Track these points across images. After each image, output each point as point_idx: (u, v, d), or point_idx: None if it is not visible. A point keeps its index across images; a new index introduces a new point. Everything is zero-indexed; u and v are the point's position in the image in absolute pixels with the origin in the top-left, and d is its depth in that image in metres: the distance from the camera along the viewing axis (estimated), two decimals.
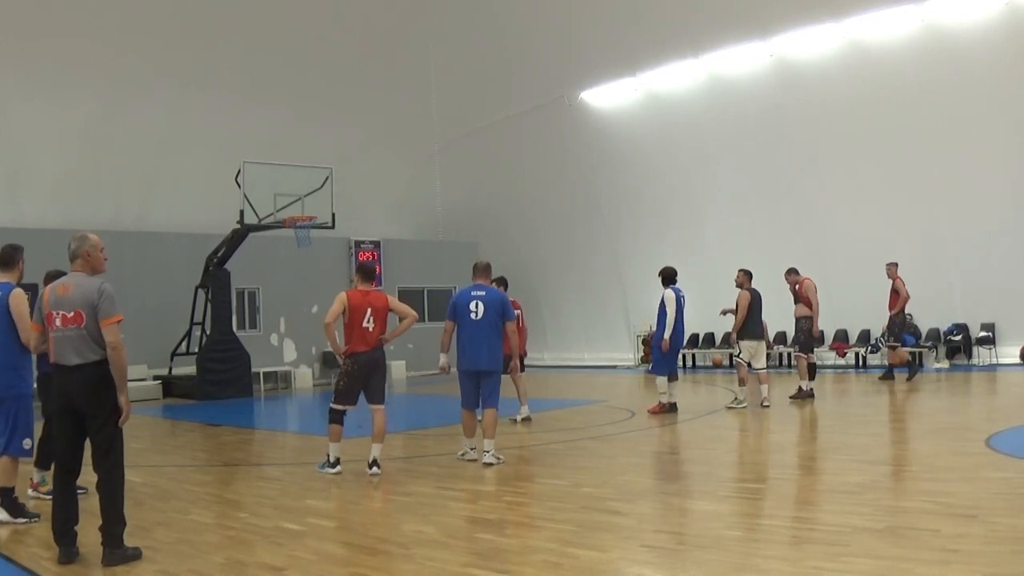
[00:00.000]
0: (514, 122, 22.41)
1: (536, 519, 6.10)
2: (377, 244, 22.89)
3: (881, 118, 16.93)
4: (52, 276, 6.29)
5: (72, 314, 5.16)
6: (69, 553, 5.19)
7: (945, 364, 17.45)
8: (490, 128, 22.85)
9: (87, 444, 5.28)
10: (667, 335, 11.71)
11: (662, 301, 11.82)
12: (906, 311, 15.59)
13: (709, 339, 21.10)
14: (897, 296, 14.73)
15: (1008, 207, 16.26)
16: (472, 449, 8.51)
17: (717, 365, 20.70)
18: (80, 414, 5.21)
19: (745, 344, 12.22)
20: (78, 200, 18.83)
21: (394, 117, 21.95)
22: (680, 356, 15.94)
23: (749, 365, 12.23)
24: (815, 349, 13.80)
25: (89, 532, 5.33)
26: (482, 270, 8.63)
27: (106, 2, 16.80)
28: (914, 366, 15.46)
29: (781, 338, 18.87)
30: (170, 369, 18.62)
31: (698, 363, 21.56)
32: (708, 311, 17.56)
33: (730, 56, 18.54)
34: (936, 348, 17.83)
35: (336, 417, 7.99)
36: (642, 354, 21.46)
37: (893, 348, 15.25)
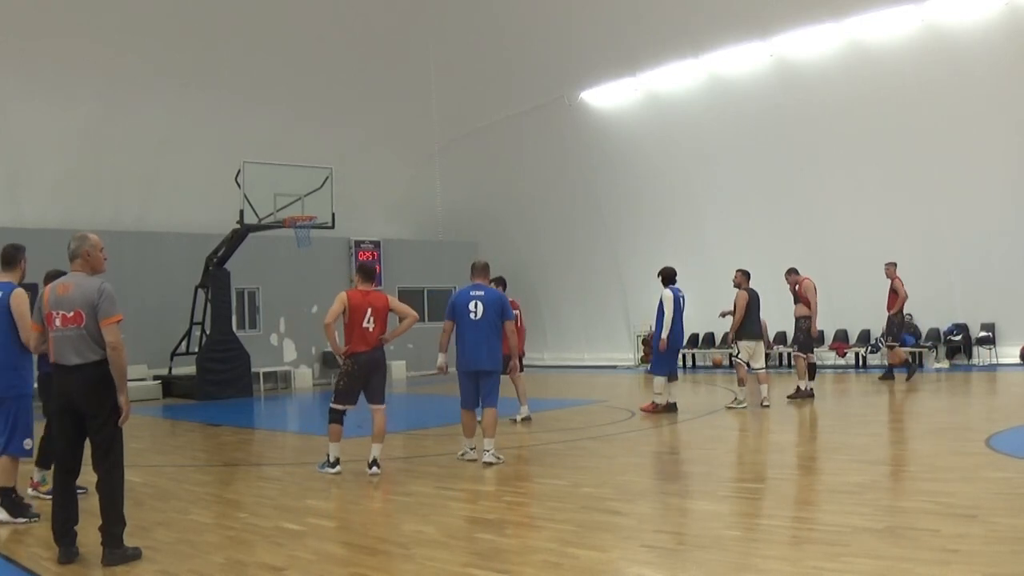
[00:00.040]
0: (514, 122, 22.41)
1: (536, 519, 6.10)
2: (377, 244, 22.89)
3: (881, 118, 16.93)
4: (52, 276, 6.29)
5: (72, 314, 5.16)
6: (69, 553, 5.19)
7: (945, 364, 17.45)
8: (490, 128, 22.85)
9: (87, 444, 5.28)
10: (665, 335, 11.73)
11: (660, 301, 11.83)
12: (906, 311, 15.60)
13: (709, 339, 21.10)
14: (896, 296, 14.73)
15: (1008, 207, 16.26)
16: (472, 449, 8.51)
17: (717, 365, 20.70)
18: (80, 414, 5.21)
19: (743, 344, 12.22)
20: (78, 200, 18.83)
21: (394, 117, 21.94)
22: (680, 356, 15.94)
23: (748, 365, 12.23)
24: (815, 349, 13.80)
25: (89, 532, 5.33)
26: (480, 270, 8.62)
27: (106, 2, 16.80)
28: (913, 366, 15.45)
29: (781, 338, 18.87)
30: (170, 369, 18.62)
31: (698, 363, 21.56)
32: (708, 311, 17.55)
33: (730, 56, 18.53)
34: (936, 348, 17.83)
35: (336, 417, 7.99)
36: (642, 354, 21.46)
37: (891, 348, 15.25)
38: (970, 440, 8.50)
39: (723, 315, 12.79)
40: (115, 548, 5.14)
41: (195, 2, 17.60)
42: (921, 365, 17.55)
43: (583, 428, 10.83)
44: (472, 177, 24.23)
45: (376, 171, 23.14)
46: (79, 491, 5.47)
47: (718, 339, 20.68)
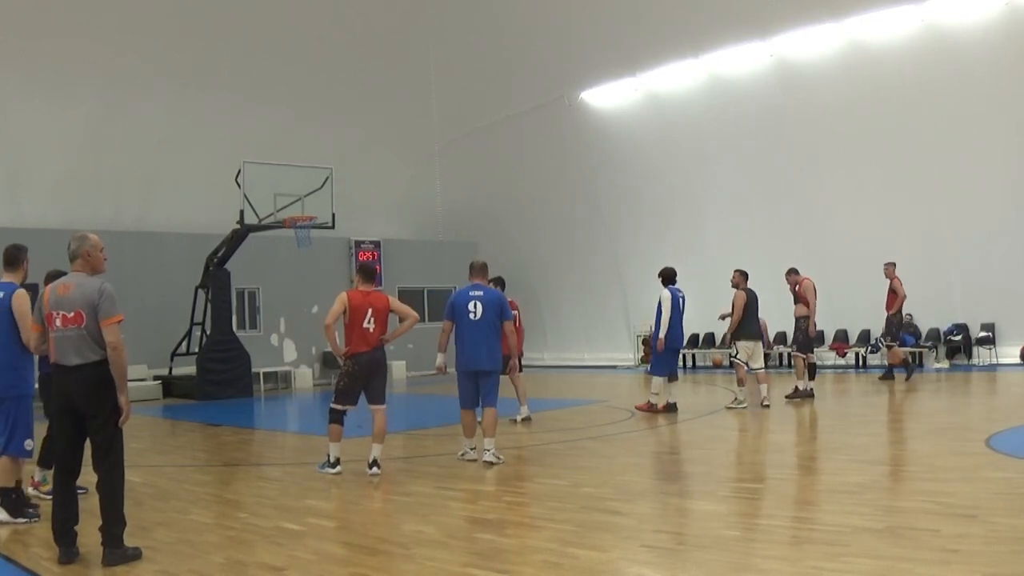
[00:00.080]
0: (514, 122, 22.41)
1: (536, 519, 6.10)
2: (377, 244, 22.89)
3: (881, 118, 16.93)
4: (52, 276, 6.29)
5: (72, 314, 5.16)
6: (69, 553, 5.19)
7: (945, 364, 17.45)
8: (490, 128, 22.85)
9: (87, 444, 5.28)
10: (662, 335, 11.74)
11: (659, 301, 11.85)
12: (906, 311, 15.59)
13: (709, 339, 21.10)
14: (895, 296, 14.73)
15: (1008, 207, 16.26)
16: (472, 449, 8.51)
17: (717, 365, 20.70)
18: (80, 414, 5.21)
19: (742, 344, 12.22)
20: (78, 200, 18.84)
21: (394, 117, 21.95)
22: (680, 356, 15.94)
23: (747, 365, 12.24)
24: (815, 349, 13.80)
25: (89, 532, 5.33)
26: (479, 270, 8.62)
27: (106, 2, 16.81)
28: (911, 366, 15.44)
29: (781, 338, 18.87)
30: (170, 369, 18.62)
31: (698, 363, 21.56)
32: (708, 311, 17.55)
33: (730, 56, 18.54)
34: (936, 348, 17.83)
35: (336, 417, 7.99)
36: (642, 354, 21.46)
37: (890, 348, 15.26)
38: (970, 440, 8.50)
39: (723, 317, 12.79)
40: (115, 548, 5.14)
41: (195, 2, 17.61)
42: (921, 365, 17.55)
43: (583, 428, 10.84)
44: (472, 177, 24.23)
45: (376, 171, 23.15)
46: (79, 491, 5.47)
47: (718, 339, 20.68)
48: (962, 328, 17.54)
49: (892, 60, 16.48)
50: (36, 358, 6.50)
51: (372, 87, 20.95)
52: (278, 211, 17.11)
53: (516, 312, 10.99)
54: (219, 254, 17.89)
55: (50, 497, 5.57)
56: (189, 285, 18.45)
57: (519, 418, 11.42)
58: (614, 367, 22.54)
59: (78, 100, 18.08)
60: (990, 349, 17.27)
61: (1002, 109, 15.75)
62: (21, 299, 6.33)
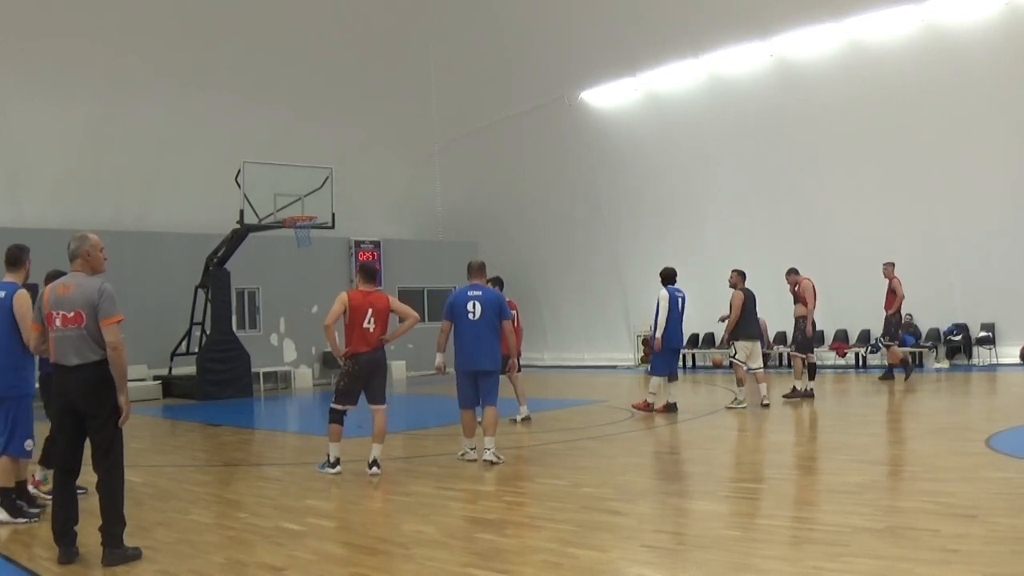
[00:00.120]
0: (514, 122, 22.41)
1: (536, 519, 6.10)
2: (377, 244, 22.89)
3: (881, 118, 16.93)
4: (52, 276, 6.29)
5: (72, 314, 5.16)
6: (69, 553, 5.19)
7: (945, 364, 17.45)
8: (490, 128, 22.85)
9: (87, 444, 5.28)
10: (658, 334, 11.76)
11: (658, 301, 11.86)
12: (906, 311, 15.58)
13: (709, 339, 21.10)
14: (894, 296, 14.73)
15: (1008, 207, 16.26)
16: (472, 449, 8.51)
17: (717, 365, 20.70)
18: (80, 414, 5.21)
19: (741, 344, 12.23)
20: (78, 200, 18.83)
21: (394, 117, 21.95)
22: (680, 356, 15.94)
23: (746, 365, 12.24)
24: (815, 349, 13.80)
25: (89, 532, 5.33)
26: (477, 269, 8.62)
27: (106, 2, 16.80)
28: (910, 366, 15.44)
29: (781, 338, 18.87)
30: (170, 369, 18.62)
31: (698, 363, 21.57)
32: (708, 311, 17.56)
33: (730, 56, 18.54)
34: (936, 348, 17.83)
35: (336, 417, 7.98)
36: (642, 354, 21.46)
37: (888, 347, 15.26)
38: (970, 440, 8.50)
39: (722, 319, 12.80)
40: (115, 548, 5.14)
41: (195, 2, 17.60)
42: (921, 365, 17.56)
43: (583, 428, 10.84)
44: (472, 177, 24.23)
45: (376, 171, 23.15)
46: (79, 491, 5.47)
47: (718, 339, 20.68)
48: (962, 328, 17.54)
49: (892, 60, 16.48)
50: (36, 358, 6.49)
51: (372, 87, 20.95)
52: (278, 211, 17.11)
53: (514, 312, 11.00)
54: (219, 254, 17.89)
55: (50, 497, 5.57)
56: (189, 285, 18.45)
57: (519, 418, 11.42)
58: (614, 367, 22.54)
59: (78, 100, 18.08)
60: (990, 349, 17.27)
61: (1002, 109, 15.75)
62: (22, 299, 6.34)
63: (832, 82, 17.29)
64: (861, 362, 18.60)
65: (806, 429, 10.50)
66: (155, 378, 18.53)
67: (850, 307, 18.10)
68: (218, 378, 17.43)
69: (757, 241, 19.03)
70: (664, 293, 11.85)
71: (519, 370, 11.34)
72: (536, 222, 23.85)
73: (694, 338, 20.89)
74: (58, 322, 5.20)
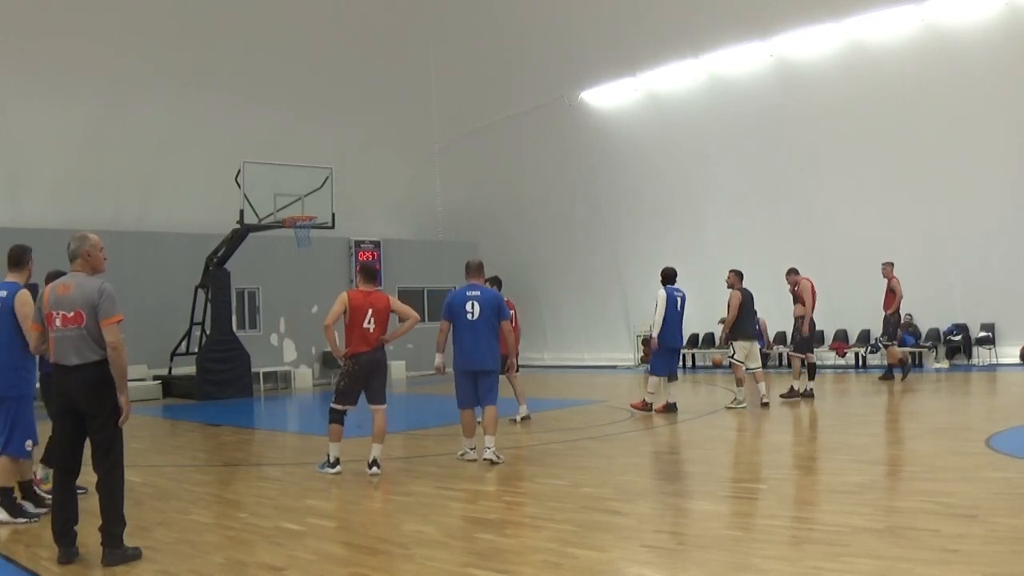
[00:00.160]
0: (514, 122, 22.41)
1: (536, 519, 6.10)
2: (377, 244, 22.89)
3: (881, 118, 16.93)
4: (53, 276, 6.30)
5: (72, 314, 5.16)
6: (69, 553, 5.19)
7: (945, 364, 17.45)
8: (490, 128, 22.85)
9: (87, 444, 5.28)
10: (655, 333, 11.77)
11: (656, 301, 11.88)
12: (905, 311, 15.56)
13: (709, 339, 21.10)
14: (893, 296, 14.73)
15: (1008, 207, 16.26)
16: (472, 449, 8.51)
17: (717, 365, 20.69)
18: (80, 414, 5.21)
19: (739, 344, 12.24)
20: (78, 200, 18.83)
21: (394, 117, 21.95)
22: (680, 356, 15.95)
23: (744, 365, 12.25)
24: (815, 349, 13.80)
25: (89, 532, 5.33)
26: (475, 269, 8.62)
27: (106, 2, 16.81)
28: (908, 366, 15.44)
29: (781, 338, 18.87)
30: (170, 369, 18.62)
31: (698, 363, 21.57)
32: (708, 311, 17.60)
33: (730, 56, 18.54)
34: (936, 348, 17.83)
35: (336, 417, 7.98)
36: (642, 354, 21.46)
37: (887, 347, 15.27)
38: (970, 440, 8.50)
39: (722, 321, 12.80)
40: (115, 548, 5.14)
41: (195, 2, 17.61)
42: (921, 365, 17.56)
43: (583, 428, 10.84)
44: (472, 177, 24.24)
45: (376, 171, 23.15)
46: (79, 491, 5.47)
47: (718, 339, 20.69)
48: (962, 328, 17.54)
49: (892, 60, 16.48)
50: (37, 358, 6.50)
51: (372, 87, 20.95)
52: (278, 211, 17.11)
53: (512, 312, 11.00)
54: (219, 254, 17.89)
55: (50, 496, 5.57)
56: (189, 285, 18.45)
57: (518, 417, 11.42)
58: (614, 367, 22.54)
59: (78, 100, 18.08)
60: (990, 349, 17.27)
61: (1002, 109, 15.75)
62: (22, 299, 6.34)
63: (832, 82, 17.29)
64: (861, 362, 18.60)
65: (806, 429, 10.49)
66: (155, 378, 18.53)
67: (850, 307, 18.09)
68: (218, 378, 17.43)
69: (757, 241, 19.03)
70: (662, 293, 11.86)
71: (517, 370, 11.35)
72: (536, 222, 23.85)
73: (694, 338, 20.89)
74: (58, 322, 5.20)
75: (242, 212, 16.83)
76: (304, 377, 20.86)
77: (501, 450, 8.40)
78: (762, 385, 12.18)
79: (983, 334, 17.28)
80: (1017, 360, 16.78)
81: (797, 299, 13.17)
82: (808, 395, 12.77)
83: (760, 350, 13.71)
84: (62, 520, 5.21)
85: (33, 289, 6.45)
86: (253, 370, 18.33)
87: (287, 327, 21.13)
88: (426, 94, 20.71)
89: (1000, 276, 16.56)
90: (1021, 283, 16.32)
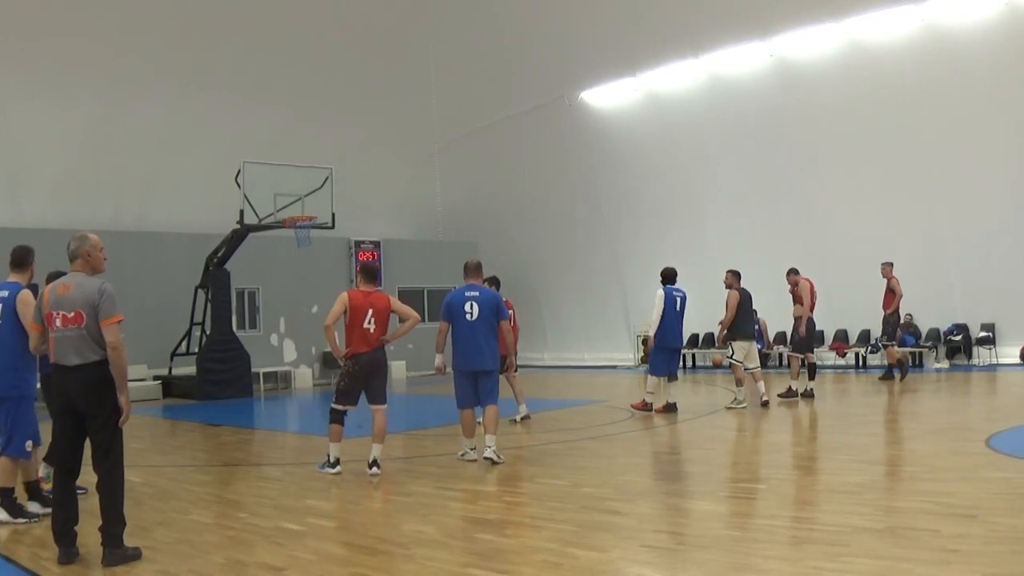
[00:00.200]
0: (514, 122, 22.41)
1: (536, 519, 6.10)
2: (377, 244, 22.89)
3: (881, 118, 16.94)
4: (53, 277, 6.30)
5: (72, 314, 5.16)
6: (69, 553, 5.19)
7: (945, 364, 17.45)
8: (490, 128, 22.85)
9: (87, 444, 5.28)
10: (651, 333, 11.80)
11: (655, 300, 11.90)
12: (906, 311, 15.55)
13: (709, 339, 21.09)
14: (893, 296, 14.73)
15: (1008, 207, 16.26)
16: (472, 449, 8.51)
17: (717, 365, 20.69)
18: (80, 414, 5.21)
19: (738, 344, 12.25)
20: (78, 200, 18.84)
21: (394, 117, 21.95)
22: (680, 356, 15.95)
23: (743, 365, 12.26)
24: (815, 349, 13.80)
25: (89, 532, 5.33)
26: (473, 269, 8.63)
27: (106, 2, 16.80)
28: (906, 366, 15.44)
29: (781, 338, 18.87)
30: (170, 369, 18.62)
31: (698, 363, 21.57)
32: (708, 311, 17.57)
33: (730, 56, 18.54)
34: (936, 348, 17.83)
35: (337, 417, 7.98)
36: (642, 354, 21.46)
37: (886, 347, 15.27)
38: (970, 440, 8.50)
39: (721, 324, 12.82)
40: (115, 548, 5.14)
41: (195, 2, 17.61)
42: (921, 365, 17.56)
43: (583, 428, 10.84)
44: (472, 177, 24.24)
45: (376, 171, 23.15)
46: (79, 491, 5.48)
47: (718, 339, 20.67)
48: (962, 328, 17.55)
49: (892, 60, 16.48)
50: (37, 358, 6.50)
51: (372, 87, 20.95)
52: (278, 211, 17.11)
53: (511, 311, 11.01)
54: (219, 254, 17.89)
55: (50, 496, 5.58)
56: (189, 285, 18.45)
57: (518, 417, 11.42)
58: (614, 367, 22.54)
59: (78, 100, 18.08)
60: (990, 349, 17.27)
61: (1002, 109, 15.75)
62: (25, 299, 6.34)
63: (832, 82, 17.29)
64: (861, 362, 18.60)
65: (806, 429, 10.50)
66: (155, 378, 18.53)
67: (850, 307, 18.09)
68: (218, 378, 17.43)
69: (757, 241, 19.03)
70: (660, 293, 11.87)
71: (516, 370, 11.37)
72: (536, 222, 23.85)
73: (694, 338, 20.89)
74: (58, 322, 5.20)
75: (242, 212, 16.83)
76: (304, 377, 20.86)
77: (501, 450, 8.40)
78: (761, 384, 12.20)
79: (983, 334, 17.28)
80: (1017, 360, 16.78)
81: (797, 299, 13.18)
82: (808, 395, 12.77)
83: (760, 350, 13.73)
84: (62, 520, 5.22)
85: (34, 290, 6.46)
86: (253, 370, 18.33)
87: (287, 327, 21.13)
88: (426, 94, 20.72)
89: (1000, 276, 16.56)
90: (1021, 283, 16.32)
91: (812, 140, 18.04)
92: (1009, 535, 4.93)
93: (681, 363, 17.90)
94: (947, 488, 6.28)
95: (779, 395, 12.77)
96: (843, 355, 18.85)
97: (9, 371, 6.29)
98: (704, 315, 18.14)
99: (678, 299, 11.95)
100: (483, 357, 8.26)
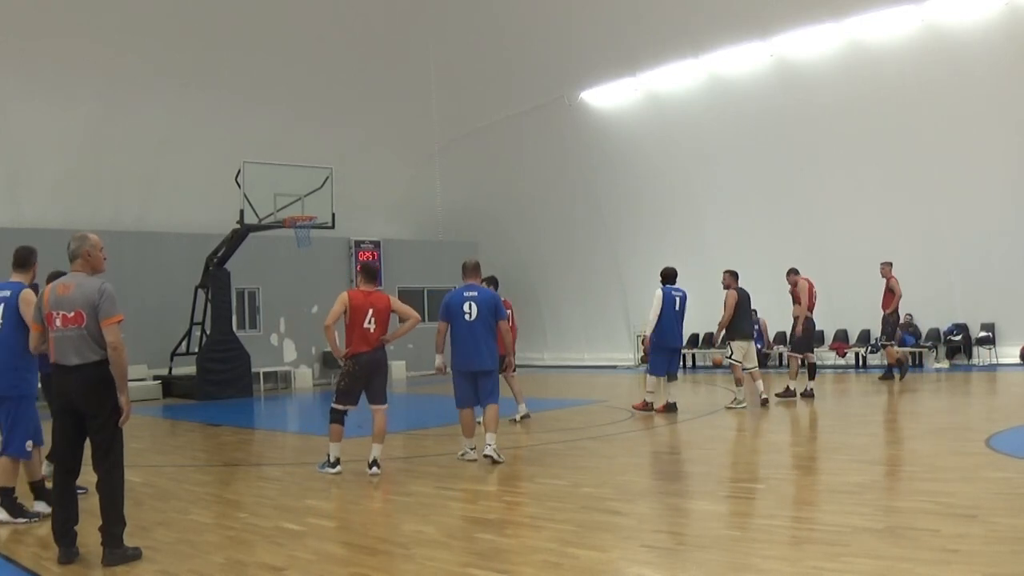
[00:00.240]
0: (514, 122, 22.41)
1: (536, 519, 6.10)
2: (377, 244, 22.89)
3: (881, 118, 16.94)
4: (54, 277, 6.30)
5: (72, 314, 5.16)
6: (69, 553, 5.19)
7: (945, 364, 17.46)
8: (490, 128, 22.85)
9: (87, 444, 5.28)
10: (648, 332, 11.84)
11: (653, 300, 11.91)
12: (906, 311, 15.55)
13: (709, 339, 21.07)
14: (892, 295, 14.74)
15: (1008, 207, 16.26)
16: (472, 449, 8.51)
17: (717, 365, 20.69)
18: (80, 414, 5.21)
19: (736, 344, 12.26)
20: (78, 200, 18.84)
21: (394, 117, 21.95)
22: (680, 356, 15.95)
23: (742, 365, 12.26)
24: (815, 349, 13.80)
25: (89, 532, 5.33)
26: (472, 269, 8.63)
27: (106, 2, 16.81)
28: (904, 366, 15.45)
29: (781, 338, 18.88)
30: (170, 369, 18.62)
31: (698, 363, 21.56)
32: (708, 311, 17.52)
33: (730, 56, 18.54)
34: (936, 348, 17.83)
35: (337, 417, 7.98)
36: (642, 354, 21.45)
37: (885, 347, 15.27)
38: (970, 440, 8.50)
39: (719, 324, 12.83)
40: (115, 548, 5.14)
41: (195, 2, 17.61)
42: (921, 365, 17.57)
43: (583, 428, 10.84)
44: (472, 177, 24.24)
45: (376, 171, 23.15)
46: (79, 491, 5.47)
47: (718, 339, 20.65)
48: (962, 328, 17.55)
49: (892, 60, 16.48)
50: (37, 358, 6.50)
51: (372, 87, 20.95)
52: (278, 211, 17.11)
53: (510, 311, 11.01)
54: (219, 254, 17.89)
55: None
56: (189, 285, 18.45)
57: (518, 416, 11.43)
58: (614, 367, 22.55)
59: (78, 100, 18.08)
60: (990, 349, 17.27)
61: (1002, 109, 15.76)
62: (27, 299, 6.35)
63: (832, 82, 17.29)
64: (861, 362, 18.60)
65: (806, 429, 10.49)
66: (155, 378, 18.53)
67: (850, 307, 18.09)
68: (218, 378, 17.43)
69: (757, 241, 19.03)
70: (658, 293, 11.87)
71: (514, 370, 11.37)
72: (536, 222, 23.85)
73: (694, 338, 20.89)
74: (58, 322, 5.20)
75: (242, 212, 16.83)
76: (304, 377, 20.86)
77: (501, 450, 8.39)
78: (759, 383, 12.22)
79: (983, 334, 17.29)
80: (1017, 360, 16.79)
81: (796, 299, 13.18)
82: (808, 395, 12.77)
83: (760, 350, 13.72)
84: (62, 520, 5.22)
85: (36, 290, 6.46)
86: (253, 370, 18.33)
87: (287, 327, 21.13)
88: (426, 94, 20.72)
89: (1000, 276, 16.57)
90: (1021, 283, 16.33)
91: (812, 140, 18.04)
92: (1009, 535, 4.93)
93: (681, 363, 17.91)
94: (947, 488, 6.27)
95: (776, 394, 12.78)
96: (843, 355, 18.85)
97: (10, 370, 6.29)
98: (704, 315, 18.09)
99: (677, 299, 11.94)
100: (482, 357, 8.26)
